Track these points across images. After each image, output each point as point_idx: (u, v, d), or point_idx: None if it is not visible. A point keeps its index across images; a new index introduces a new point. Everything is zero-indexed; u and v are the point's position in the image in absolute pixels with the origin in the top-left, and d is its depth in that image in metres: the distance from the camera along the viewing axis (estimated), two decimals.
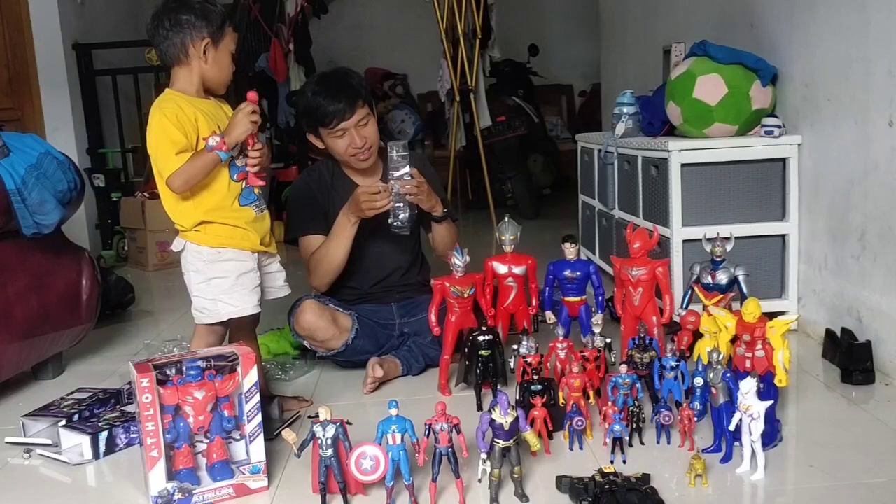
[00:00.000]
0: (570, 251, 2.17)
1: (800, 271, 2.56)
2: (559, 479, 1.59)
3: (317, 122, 2.28)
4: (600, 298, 2.19)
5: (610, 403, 1.75)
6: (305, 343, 2.33)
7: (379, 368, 2.23)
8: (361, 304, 2.42)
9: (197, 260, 1.86)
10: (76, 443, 1.91)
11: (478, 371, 2.04)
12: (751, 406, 1.58)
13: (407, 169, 2.17)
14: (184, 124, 1.77)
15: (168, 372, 1.63)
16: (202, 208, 1.84)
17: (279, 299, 2.07)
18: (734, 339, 1.84)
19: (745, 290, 2.11)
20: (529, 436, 1.61)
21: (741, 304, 1.84)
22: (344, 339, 2.30)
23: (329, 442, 1.54)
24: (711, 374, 1.69)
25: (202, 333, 1.92)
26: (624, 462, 1.70)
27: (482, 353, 2.03)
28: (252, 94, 1.82)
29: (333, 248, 2.30)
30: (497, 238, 2.22)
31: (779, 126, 2.50)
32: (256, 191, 1.92)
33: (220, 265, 1.86)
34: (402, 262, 2.48)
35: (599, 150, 3.20)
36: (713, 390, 1.69)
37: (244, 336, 1.97)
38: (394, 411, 1.53)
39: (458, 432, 1.54)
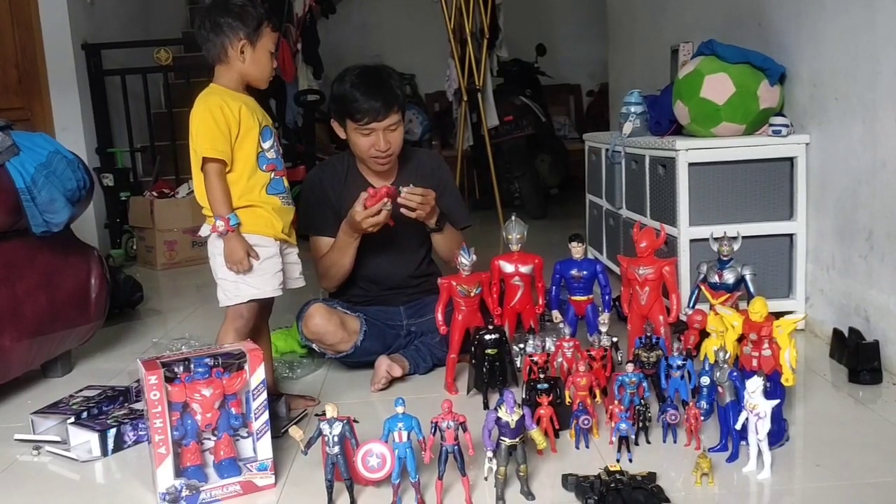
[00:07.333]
0: (576, 250, 2.17)
1: (807, 270, 2.55)
2: (565, 478, 1.59)
3: (346, 114, 2.25)
4: (607, 297, 2.19)
5: (616, 402, 1.76)
6: (314, 346, 2.34)
7: (397, 368, 2.24)
8: (370, 305, 2.43)
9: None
10: (85, 440, 1.92)
11: (484, 370, 2.04)
12: (757, 405, 1.58)
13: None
14: (227, 117, 1.85)
15: (176, 369, 1.64)
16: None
17: (285, 298, 2.08)
18: (741, 339, 1.83)
19: (752, 289, 2.11)
20: (535, 434, 1.61)
21: (748, 304, 1.84)
22: (352, 342, 2.30)
23: (336, 439, 1.55)
24: (718, 373, 1.69)
25: (230, 316, 1.94)
26: (630, 461, 1.70)
27: (489, 352, 2.03)
28: None
29: (339, 259, 2.33)
30: (504, 237, 2.22)
31: (786, 125, 2.49)
32: (286, 183, 1.98)
33: None
34: (413, 269, 2.48)
35: (607, 150, 3.20)
36: (720, 389, 1.69)
37: (256, 323, 2.00)
38: (400, 409, 1.54)
39: (465, 430, 1.55)
